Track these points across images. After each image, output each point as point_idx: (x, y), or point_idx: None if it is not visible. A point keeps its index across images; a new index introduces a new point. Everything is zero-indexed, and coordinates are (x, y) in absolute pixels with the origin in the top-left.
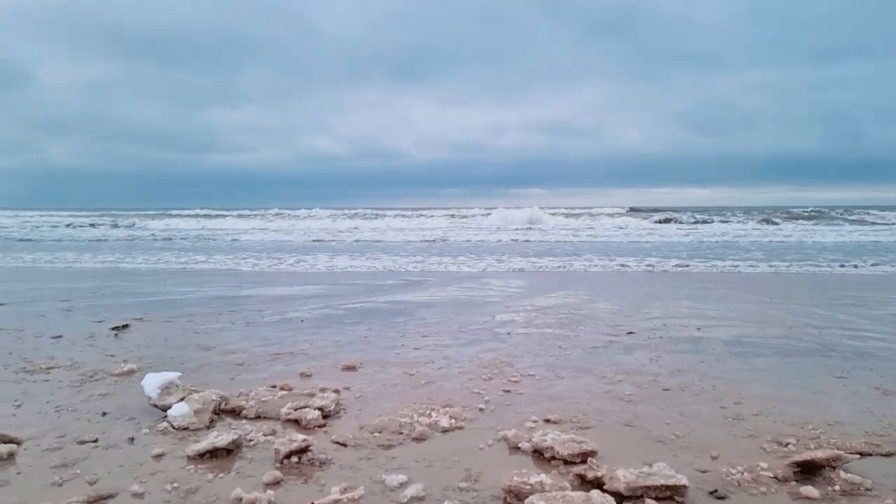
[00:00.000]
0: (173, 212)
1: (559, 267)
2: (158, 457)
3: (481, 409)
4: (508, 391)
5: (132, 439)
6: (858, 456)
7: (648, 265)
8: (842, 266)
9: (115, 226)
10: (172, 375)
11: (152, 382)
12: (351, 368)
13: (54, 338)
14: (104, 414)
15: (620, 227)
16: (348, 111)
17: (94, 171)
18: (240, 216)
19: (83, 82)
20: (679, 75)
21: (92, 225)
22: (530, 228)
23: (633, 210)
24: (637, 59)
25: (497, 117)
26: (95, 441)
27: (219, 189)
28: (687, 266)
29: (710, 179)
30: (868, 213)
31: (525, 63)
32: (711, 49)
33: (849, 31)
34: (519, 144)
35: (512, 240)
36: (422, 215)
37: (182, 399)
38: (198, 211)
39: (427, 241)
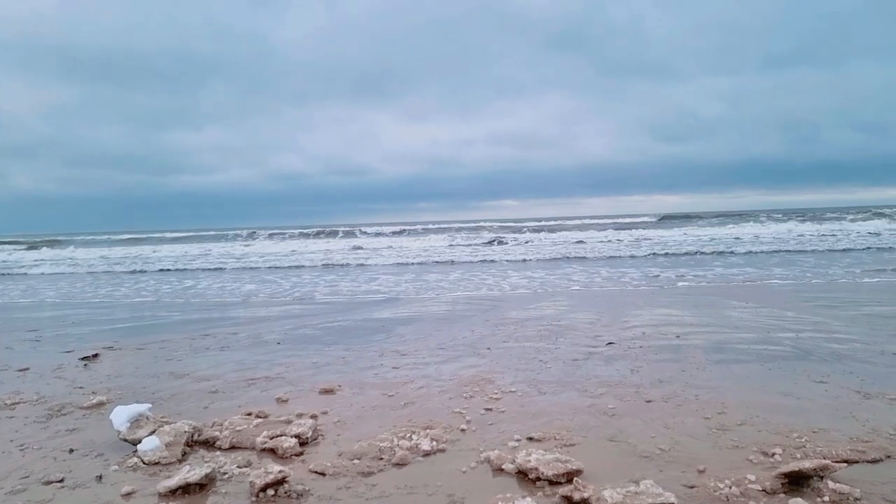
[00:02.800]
0: (143, 234)
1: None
2: (128, 495)
3: (463, 430)
4: (490, 409)
5: (100, 477)
6: (845, 464)
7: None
8: None
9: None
10: (142, 407)
11: (121, 416)
12: (329, 392)
13: (20, 370)
14: (71, 451)
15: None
16: (313, 129)
17: (61, 196)
18: (216, 236)
19: (43, 107)
20: (637, 85)
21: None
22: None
23: (666, 218)
24: (593, 70)
25: (462, 131)
26: (61, 481)
27: (191, 210)
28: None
29: (678, 186)
30: None
31: (483, 77)
32: (665, 59)
33: (791, 39)
34: (487, 157)
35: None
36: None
37: (153, 432)
38: (176, 233)
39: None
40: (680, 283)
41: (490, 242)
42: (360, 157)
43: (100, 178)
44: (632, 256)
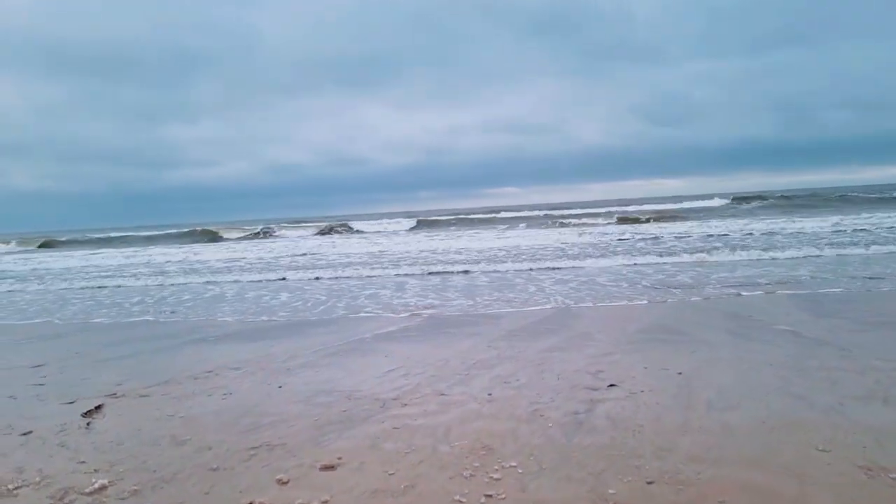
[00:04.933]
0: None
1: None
2: None
3: None
4: (490, 496)
5: None
6: None
7: None
8: None
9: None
10: None
11: None
12: (329, 468)
13: (24, 434)
14: None
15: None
16: (307, 120)
17: (58, 192)
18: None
19: (35, 104)
20: (626, 69)
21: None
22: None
23: (736, 199)
24: (581, 55)
25: (455, 119)
26: None
27: (188, 204)
28: None
29: (676, 169)
30: None
31: (472, 65)
32: (652, 43)
33: (776, 21)
34: (482, 145)
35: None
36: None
37: None
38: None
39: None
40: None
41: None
42: (355, 147)
43: (95, 173)
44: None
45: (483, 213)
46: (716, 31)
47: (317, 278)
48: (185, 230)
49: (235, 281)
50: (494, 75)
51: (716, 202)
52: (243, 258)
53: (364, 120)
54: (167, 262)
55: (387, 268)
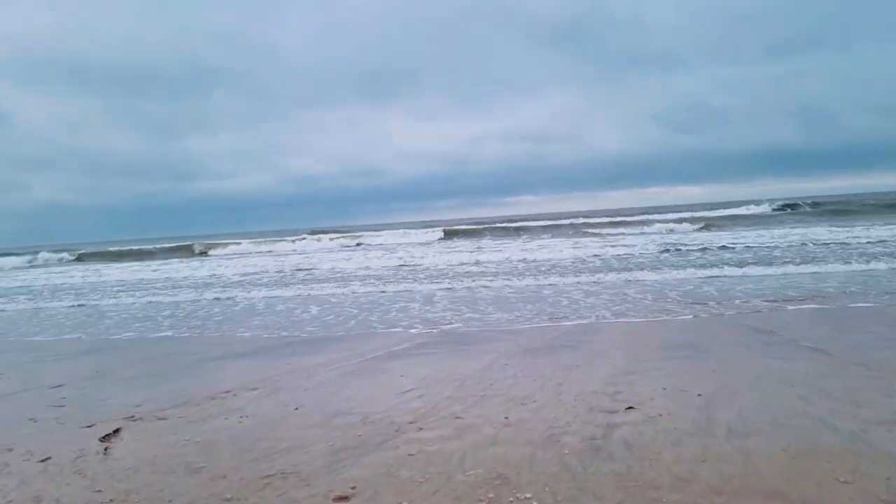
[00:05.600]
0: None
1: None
2: None
3: None
4: None
5: None
6: None
7: None
8: None
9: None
10: None
11: None
12: (343, 499)
13: (42, 461)
14: None
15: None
16: (326, 131)
17: (82, 205)
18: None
19: (59, 119)
20: (643, 77)
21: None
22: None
23: (788, 206)
24: (597, 63)
25: (473, 129)
26: None
27: (211, 215)
28: None
29: (697, 177)
30: None
31: (489, 75)
32: (670, 50)
33: (797, 25)
34: (501, 154)
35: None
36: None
37: None
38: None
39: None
40: None
41: (665, 251)
42: (374, 157)
43: (118, 186)
44: None
45: (506, 221)
46: (734, 36)
47: (331, 294)
48: (188, 243)
49: (250, 295)
50: (512, 85)
51: (751, 209)
52: (264, 272)
53: (383, 130)
54: (186, 277)
55: (410, 281)
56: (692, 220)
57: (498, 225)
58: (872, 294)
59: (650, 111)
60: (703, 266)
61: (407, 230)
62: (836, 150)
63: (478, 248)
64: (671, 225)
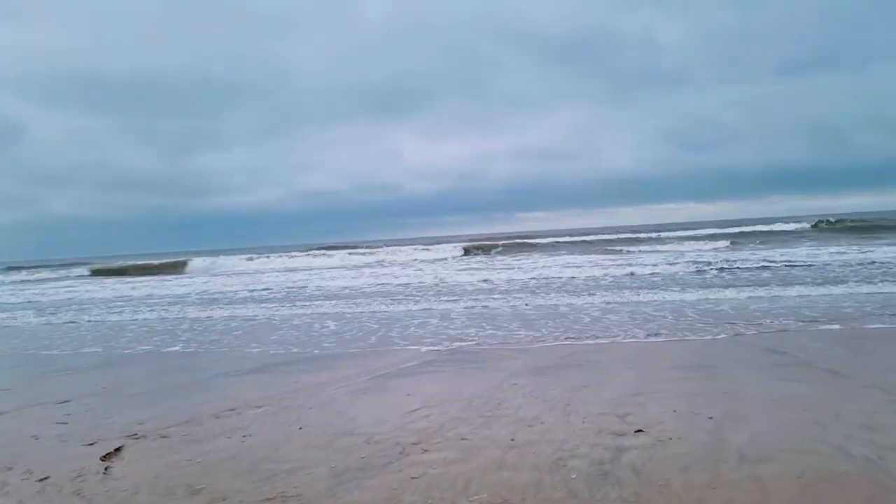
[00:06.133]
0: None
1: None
2: None
3: None
4: None
5: None
6: None
7: None
8: None
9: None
10: None
11: None
12: None
13: (41, 480)
14: None
15: None
16: (338, 148)
17: (96, 219)
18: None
19: (74, 134)
20: (653, 95)
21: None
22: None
23: (820, 222)
24: (608, 81)
25: (484, 146)
26: None
27: (224, 230)
28: None
29: (708, 194)
30: None
31: (499, 93)
32: (678, 69)
33: (805, 45)
34: (511, 170)
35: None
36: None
37: None
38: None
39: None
40: None
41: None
42: (385, 174)
43: (133, 201)
44: None
45: (524, 237)
46: (742, 55)
47: (347, 312)
48: (203, 257)
49: (256, 313)
50: (522, 103)
51: (779, 226)
52: (269, 289)
53: (394, 147)
54: (201, 291)
55: (419, 299)
56: (722, 237)
57: (518, 241)
58: None
59: (661, 129)
60: (815, 283)
61: (425, 246)
62: (848, 168)
63: (498, 265)
64: (707, 242)
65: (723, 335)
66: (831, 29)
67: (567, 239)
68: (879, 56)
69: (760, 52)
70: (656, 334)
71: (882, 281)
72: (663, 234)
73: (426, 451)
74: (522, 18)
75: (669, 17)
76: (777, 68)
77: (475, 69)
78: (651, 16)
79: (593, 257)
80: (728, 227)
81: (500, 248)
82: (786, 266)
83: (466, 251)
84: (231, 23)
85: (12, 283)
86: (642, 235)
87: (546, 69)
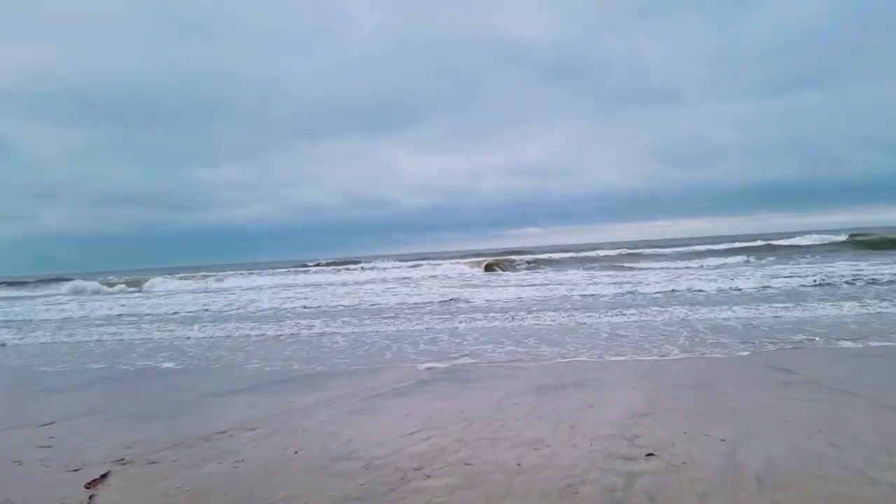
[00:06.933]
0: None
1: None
2: None
3: None
4: None
5: None
6: None
7: None
8: None
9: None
10: None
11: None
12: None
13: None
14: None
15: None
16: (329, 163)
17: (86, 234)
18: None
19: (65, 150)
20: (643, 113)
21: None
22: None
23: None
24: (597, 99)
25: (476, 162)
26: None
27: (215, 245)
28: None
29: (699, 210)
30: None
31: (490, 110)
32: (666, 87)
33: (789, 64)
34: (503, 186)
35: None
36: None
37: None
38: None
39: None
40: None
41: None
42: (377, 189)
43: (124, 216)
44: None
45: (516, 252)
46: (728, 73)
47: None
48: (205, 273)
49: (259, 334)
50: (512, 120)
51: (804, 240)
52: (285, 306)
53: (386, 163)
54: (205, 306)
55: (414, 316)
56: (743, 251)
57: (531, 256)
58: None
59: (650, 146)
60: None
61: (437, 261)
62: (835, 184)
63: (510, 280)
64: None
65: (712, 352)
66: (814, 50)
67: (585, 254)
68: (859, 75)
69: (745, 71)
70: (651, 350)
71: None
72: (681, 249)
73: (428, 476)
74: (512, 37)
75: (655, 37)
76: (762, 87)
77: (466, 87)
78: (636, 36)
79: (651, 272)
80: (728, 241)
81: (522, 263)
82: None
83: (488, 267)
84: (221, 38)
85: None
86: (667, 251)
87: (536, 86)
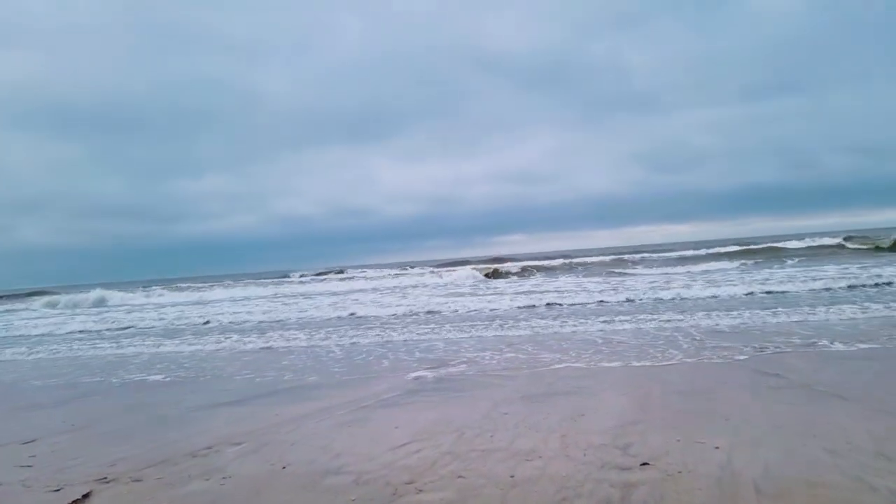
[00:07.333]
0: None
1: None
2: None
3: None
4: None
5: None
6: None
7: None
8: None
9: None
10: None
11: None
12: None
13: None
14: None
15: None
16: (312, 173)
17: (67, 247)
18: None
19: (45, 162)
20: (625, 119)
21: None
22: None
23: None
24: (580, 106)
25: (460, 170)
26: None
27: (199, 256)
28: None
29: (682, 215)
30: None
31: (473, 118)
32: (649, 93)
33: (768, 68)
34: (488, 194)
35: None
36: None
37: None
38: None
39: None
40: None
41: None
42: (361, 198)
43: (104, 228)
44: None
45: (508, 260)
46: (709, 79)
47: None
48: (209, 283)
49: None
50: (496, 127)
51: (793, 244)
52: (281, 318)
53: (370, 172)
54: (202, 317)
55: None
56: (730, 256)
57: (526, 263)
58: None
59: (633, 152)
60: None
61: (433, 269)
62: (817, 188)
63: (560, 285)
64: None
65: (702, 357)
66: (793, 54)
67: (580, 260)
68: (838, 80)
69: (725, 77)
70: (640, 356)
71: None
72: (670, 255)
73: (420, 490)
74: (495, 45)
75: (634, 45)
76: (743, 92)
77: (449, 95)
78: (617, 44)
79: (649, 277)
80: (715, 246)
81: (516, 269)
82: None
83: (488, 275)
84: (202, 48)
85: None
86: (655, 256)
87: (519, 95)
